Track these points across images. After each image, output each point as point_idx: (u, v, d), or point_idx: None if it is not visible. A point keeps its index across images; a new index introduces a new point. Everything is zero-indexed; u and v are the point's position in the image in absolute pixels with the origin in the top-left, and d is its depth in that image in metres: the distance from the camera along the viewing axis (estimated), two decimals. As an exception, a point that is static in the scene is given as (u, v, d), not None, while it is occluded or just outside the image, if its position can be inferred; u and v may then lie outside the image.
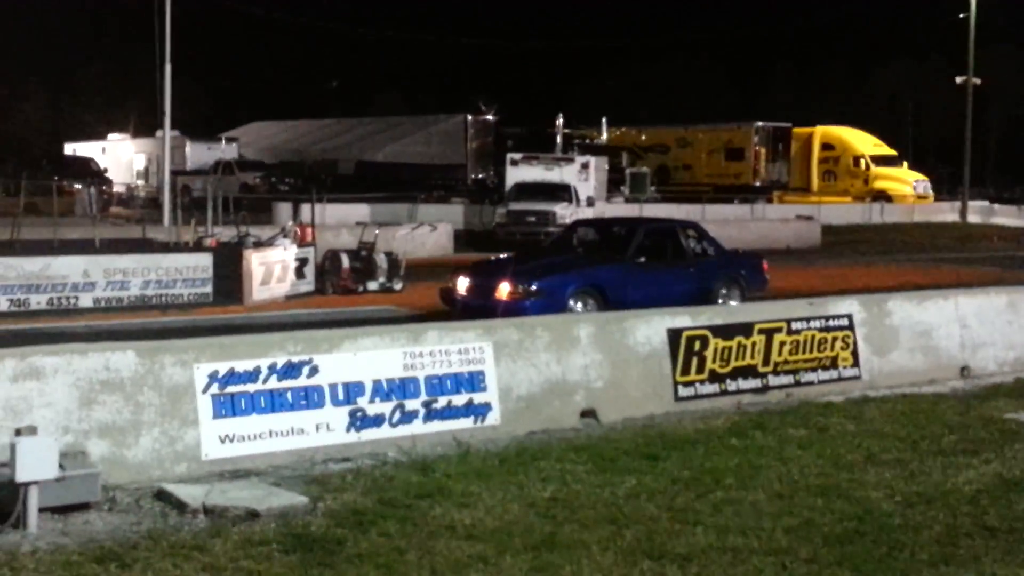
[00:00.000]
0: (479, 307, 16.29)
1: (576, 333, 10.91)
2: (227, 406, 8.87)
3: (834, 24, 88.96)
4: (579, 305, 16.59)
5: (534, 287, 16.56)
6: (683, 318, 11.72)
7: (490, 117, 50.89)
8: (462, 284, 17.58)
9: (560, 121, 47.04)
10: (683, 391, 11.42)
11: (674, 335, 11.43)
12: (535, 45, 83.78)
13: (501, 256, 19.92)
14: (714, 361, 11.64)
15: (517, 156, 38.21)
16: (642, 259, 17.79)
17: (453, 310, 17.18)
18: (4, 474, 7.43)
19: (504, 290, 16.58)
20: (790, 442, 10.06)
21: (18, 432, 7.41)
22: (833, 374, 12.53)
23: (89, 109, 72.74)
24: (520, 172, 37.21)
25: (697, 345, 11.54)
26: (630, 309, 12.58)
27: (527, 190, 35.58)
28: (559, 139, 45.95)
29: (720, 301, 17.64)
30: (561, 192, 35.50)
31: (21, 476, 7.28)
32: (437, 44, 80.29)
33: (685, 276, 17.88)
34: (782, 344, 12.12)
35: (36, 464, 7.30)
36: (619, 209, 39.21)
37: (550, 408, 10.55)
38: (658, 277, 17.53)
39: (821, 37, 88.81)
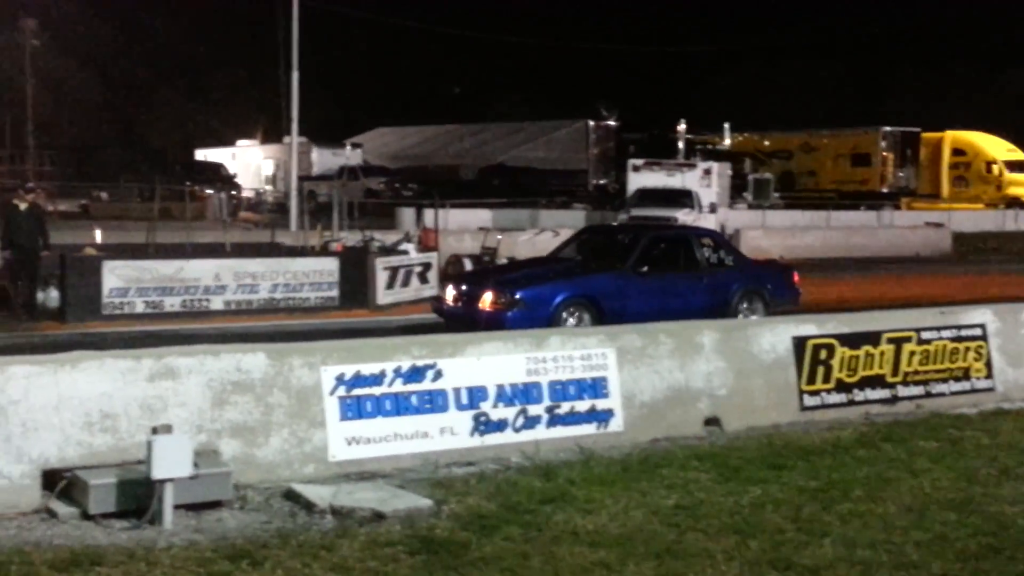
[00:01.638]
0: (464, 317, 15.51)
1: (699, 340, 10.83)
2: (353, 408, 9.00)
3: (963, 24, 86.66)
4: (571, 317, 15.57)
5: (517, 296, 15.59)
6: (809, 326, 11.57)
7: (611, 123, 50.72)
8: (450, 293, 16.70)
9: (682, 126, 46.68)
10: (809, 400, 11.25)
11: (799, 343, 11.27)
12: (656, 49, 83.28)
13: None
14: (841, 370, 11.44)
15: (639, 162, 38.05)
16: (644, 268, 16.59)
17: (443, 320, 16.42)
18: (141, 471, 7.67)
19: (487, 300, 15.67)
20: (921, 455, 9.84)
21: (154, 430, 7.63)
22: (965, 385, 12.21)
23: (219, 116, 74.55)
24: (642, 178, 37.05)
25: (823, 354, 11.35)
26: (629, 323, 11.97)
27: (649, 196, 35.37)
28: (681, 144, 45.59)
29: (740, 314, 16.68)
30: (683, 198, 35.20)
31: (157, 473, 7.51)
32: (558, 49, 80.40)
33: (696, 287, 16.66)
34: (912, 354, 11.86)
35: (171, 462, 7.53)
36: (742, 216, 38.82)
37: (673, 415, 10.49)
38: (663, 288, 16.34)
39: (950, 38, 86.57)
